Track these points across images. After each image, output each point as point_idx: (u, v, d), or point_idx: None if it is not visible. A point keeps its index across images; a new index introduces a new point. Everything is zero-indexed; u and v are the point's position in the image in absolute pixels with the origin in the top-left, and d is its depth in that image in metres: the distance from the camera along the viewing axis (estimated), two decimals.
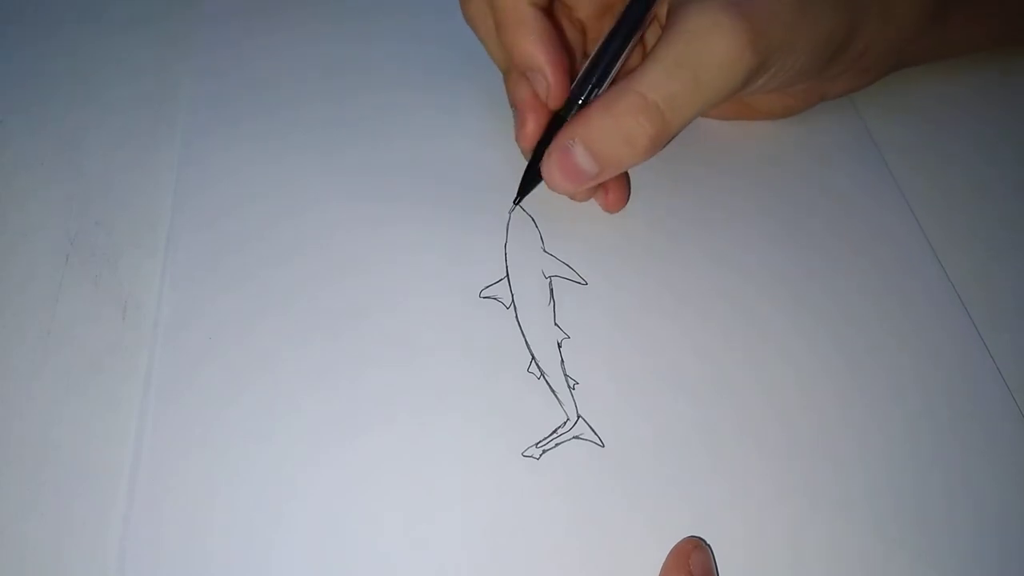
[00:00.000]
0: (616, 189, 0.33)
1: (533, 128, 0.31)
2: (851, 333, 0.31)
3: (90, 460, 0.27)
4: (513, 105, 0.32)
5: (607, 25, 0.30)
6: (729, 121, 0.36)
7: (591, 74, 0.30)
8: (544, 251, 0.32)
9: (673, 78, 0.27)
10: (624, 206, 0.33)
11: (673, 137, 0.29)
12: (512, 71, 0.32)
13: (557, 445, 0.28)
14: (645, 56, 0.28)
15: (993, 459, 0.28)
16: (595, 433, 0.28)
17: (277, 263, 0.31)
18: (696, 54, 0.27)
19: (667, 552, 0.26)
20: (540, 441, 0.28)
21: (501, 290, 0.31)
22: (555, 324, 0.30)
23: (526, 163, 0.32)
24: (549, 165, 0.29)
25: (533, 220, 0.33)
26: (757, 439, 0.28)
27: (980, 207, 0.35)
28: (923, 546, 0.26)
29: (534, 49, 0.30)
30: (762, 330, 0.31)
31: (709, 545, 0.26)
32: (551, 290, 0.31)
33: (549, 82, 0.30)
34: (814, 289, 0.32)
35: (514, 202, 0.32)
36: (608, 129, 0.28)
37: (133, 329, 0.30)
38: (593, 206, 0.33)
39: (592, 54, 0.30)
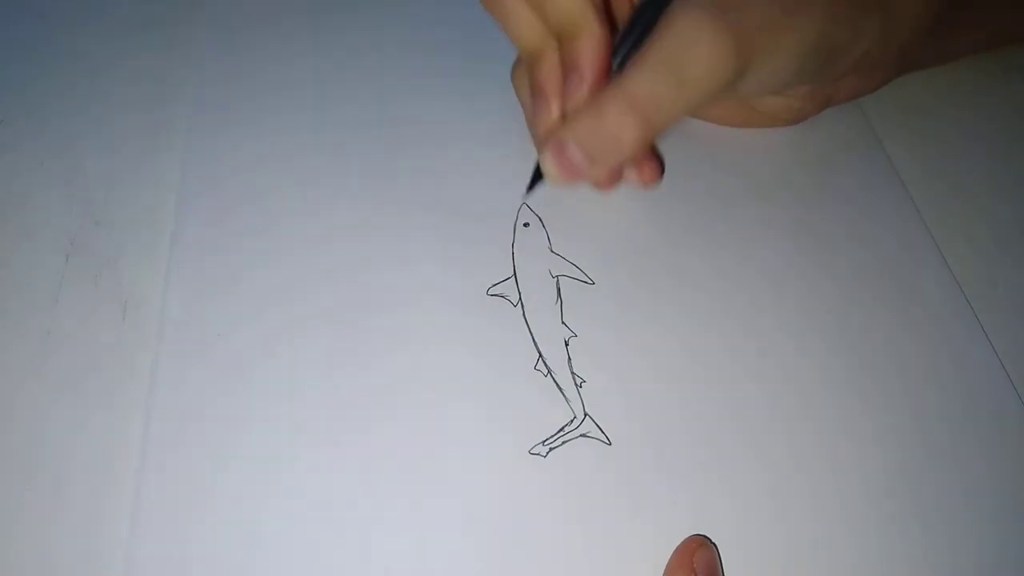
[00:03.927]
0: (648, 162, 0.32)
1: (558, 114, 0.30)
2: (857, 333, 0.31)
3: (90, 460, 0.27)
4: (536, 89, 0.31)
5: None
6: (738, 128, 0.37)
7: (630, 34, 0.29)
8: (551, 251, 0.32)
9: (658, 80, 0.28)
10: (660, 179, 0.33)
11: (659, 134, 0.29)
12: (543, 51, 0.30)
13: (564, 443, 0.27)
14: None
15: (997, 457, 0.28)
16: (602, 431, 0.28)
17: (283, 262, 0.31)
18: (680, 57, 0.28)
19: (672, 550, 0.25)
20: (547, 439, 0.27)
21: (508, 288, 0.31)
22: (562, 322, 0.30)
23: (536, 153, 0.32)
24: (546, 159, 0.30)
25: (541, 220, 0.33)
26: (764, 438, 0.28)
27: (985, 206, 0.35)
28: (927, 545, 0.26)
29: (583, 2, 0.28)
30: (769, 329, 0.30)
31: (715, 543, 0.26)
32: (558, 289, 0.31)
33: (597, 37, 0.28)
34: (820, 288, 0.32)
35: (525, 191, 0.31)
36: (597, 129, 0.29)
37: (133, 328, 0.30)
38: (599, 207, 0.33)
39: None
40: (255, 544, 0.25)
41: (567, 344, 0.30)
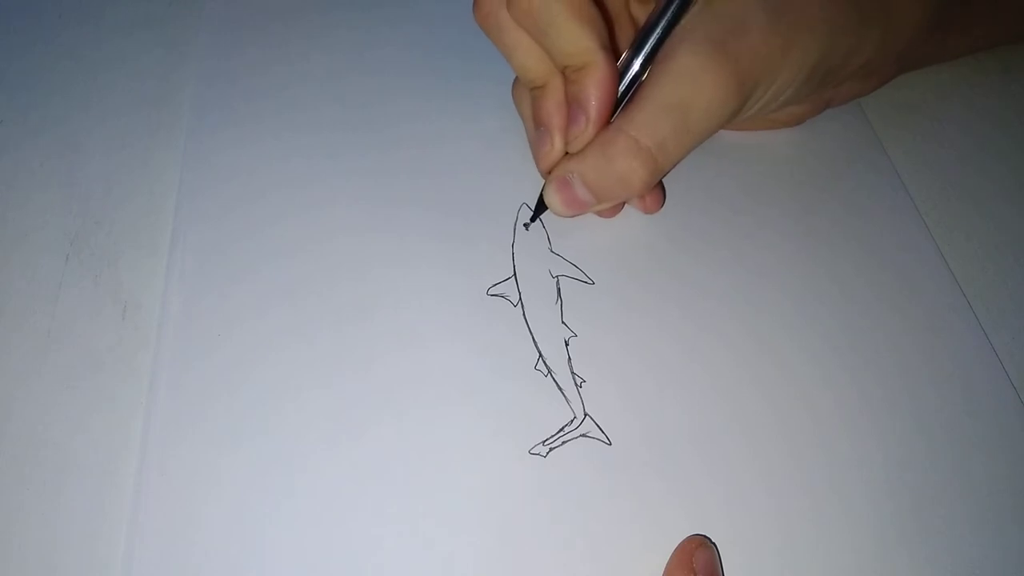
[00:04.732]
0: (651, 193, 0.32)
1: (561, 147, 0.30)
2: (857, 333, 0.31)
3: (90, 459, 0.27)
4: (539, 121, 0.30)
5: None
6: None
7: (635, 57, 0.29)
8: (551, 251, 0.32)
9: (664, 121, 0.28)
10: (662, 206, 0.33)
11: (666, 174, 0.30)
12: (547, 84, 0.30)
13: (564, 443, 0.27)
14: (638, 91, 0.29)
15: (996, 456, 0.28)
16: (602, 431, 0.28)
17: (283, 262, 0.31)
18: (685, 97, 0.28)
19: (672, 550, 0.25)
20: (547, 439, 0.27)
21: (508, 288, 0.31)
22: (562, 322, 0.30)
23: (535, 168, 0.32)
24: (550, 193, 0.30)
25: (541, 221, 0.33)
26: (764, 439, 0.28)
27: (985, 205, 0.35)
28: (925, 544, 0.26)
29: (590, 40, 0.28)
30: (769, 329, 0.30)
31: (714, 543, 0.26)
32: (558, 289, 0.31)
33: (604, 74, 0.28)
34: (820, 288, 0.32)
35: (530, 220, 0.32)
36: (603, 170, 0.29)
37: (133, 328, 0.30)
38: None
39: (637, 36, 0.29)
40: (255, 544, 0.25)
41: (567, 344, 0.30)
